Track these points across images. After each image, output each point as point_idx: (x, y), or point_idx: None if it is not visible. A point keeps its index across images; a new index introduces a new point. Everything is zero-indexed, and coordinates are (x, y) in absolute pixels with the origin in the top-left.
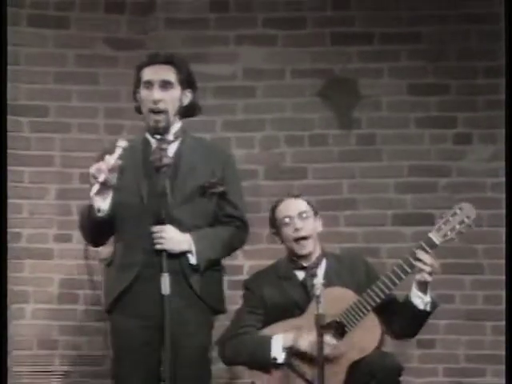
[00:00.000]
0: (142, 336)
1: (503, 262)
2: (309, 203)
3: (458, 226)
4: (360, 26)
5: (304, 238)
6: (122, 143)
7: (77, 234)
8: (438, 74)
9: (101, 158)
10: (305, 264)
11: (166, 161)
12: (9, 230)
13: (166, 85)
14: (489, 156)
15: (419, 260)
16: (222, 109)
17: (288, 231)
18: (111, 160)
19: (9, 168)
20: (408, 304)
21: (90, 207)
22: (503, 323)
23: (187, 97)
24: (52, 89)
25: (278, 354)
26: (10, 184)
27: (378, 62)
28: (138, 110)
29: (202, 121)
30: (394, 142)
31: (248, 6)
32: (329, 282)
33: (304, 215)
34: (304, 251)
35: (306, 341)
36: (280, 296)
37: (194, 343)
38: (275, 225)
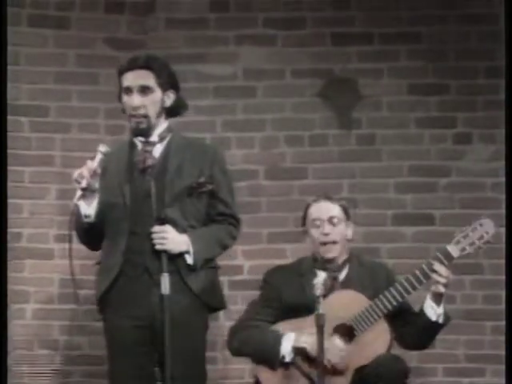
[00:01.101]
0: (134, 335)
1: (503, 261)
2: (343, 208)
3: (477, 242)
4: (360, 26)
5: (331, 242)
6: (103, 148)
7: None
8: (437, 73)
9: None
10: (328, 266)
11: (149, 162)
12: (9, 230)
13: (145, 90)
14: (489, 156)
15: (435, 271)
16: (222, 109)
17: (316, 233)
18: (93, 165)
19: (9, 168)
20: (421, 314)
21: (77, 213)
22: (503, 323)
23: (170, 98)
24: (52, 89)
25: (287, 352)
26: (10, 184)
27: (377, 61)
28: (124, 112)
29: (202, 121)
30: (394, 141)
31: (248, 6)
32: (347, 286)
33: (335, 220)
34: (329, 255)
35: (311, 342)
36: (298, 293)
37: (190, 343)
38: (306, 224)
